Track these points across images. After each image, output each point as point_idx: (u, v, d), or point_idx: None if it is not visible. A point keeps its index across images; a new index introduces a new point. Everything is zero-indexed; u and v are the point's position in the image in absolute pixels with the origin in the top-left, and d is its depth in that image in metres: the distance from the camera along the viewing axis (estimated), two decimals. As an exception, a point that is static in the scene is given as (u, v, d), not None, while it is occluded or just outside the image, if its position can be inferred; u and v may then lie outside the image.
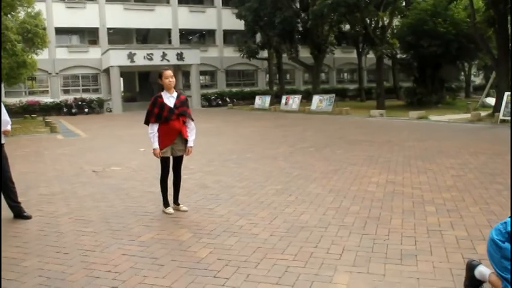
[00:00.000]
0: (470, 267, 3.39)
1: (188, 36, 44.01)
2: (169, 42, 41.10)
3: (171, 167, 5.92)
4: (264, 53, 39.23)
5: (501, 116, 18.14)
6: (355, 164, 9.22)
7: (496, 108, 20.45)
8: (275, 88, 39.86)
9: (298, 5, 36.13)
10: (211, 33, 43.17)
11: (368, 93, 41.88)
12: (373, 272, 3.81)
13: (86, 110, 34.79)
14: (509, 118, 17.81)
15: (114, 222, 5.46)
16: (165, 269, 3.96)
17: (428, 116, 21.41)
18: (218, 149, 12.20)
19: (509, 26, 23.75)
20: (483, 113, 20.93)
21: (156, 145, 5.65)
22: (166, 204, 5.91)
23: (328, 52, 37.01)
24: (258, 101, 34.27)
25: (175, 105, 5.70)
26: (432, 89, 31.12)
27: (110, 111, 35.54)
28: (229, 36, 41.55)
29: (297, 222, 5.26)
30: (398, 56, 36.20)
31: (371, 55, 37.80)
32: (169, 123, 5.66)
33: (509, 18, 23.53)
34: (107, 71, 36.16)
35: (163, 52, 35.86)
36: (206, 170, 8.90)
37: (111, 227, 5.27)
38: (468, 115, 20.96)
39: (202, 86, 40.38)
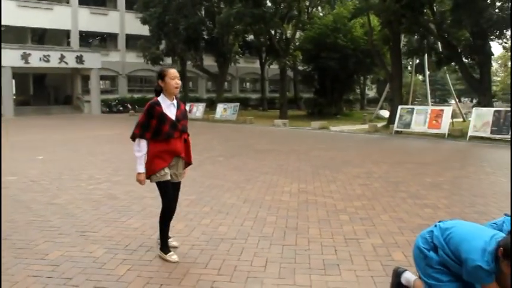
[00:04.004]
0: (397, 274, 3.49)
1: (89, 39, 42.20)
2: (68, 44, 39.12)
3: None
4: (168, 60, 38.64)
5: (395, 128, 19.32)
6: (266, 173, 9.27)
7: (391, 120, 21.79)
8: (178, 95, 39.30)
9: (203, 13, 36.07)
10: (113, 37, 41.76)
11: (270, 103, 42.74)
12: (299, 284, 3.78)
13: (-28, 113, 31.88)
14: (401, 129, 19.03)
15: (16, 238, 4.94)
16: (79, 290, 3.63)
17: (329, 127, 22.25)
18: (124, 157, 11.70)
19: (401, 44, 25.55)
20: (379, 125, 22.17)
21: (142, 168, 4.22)
22: (165, 248, 4.37)
23: (233, 61, 37.32)
24: (162, 108, 33.58)
25: (177, 118, 4.31)
26: (332, 100, 32.50)
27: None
28: (133, 41, 40.40)
29: (216, 234, 5.13)
30: (300, 67, 37.39)
31: (274, 66, 38.67)
32: (170, 143, 4.26)
33: (402, 37, 25.29)
34: (-4, 71, 33.55)
35: (61, 54, 34.08)
36: (114, 180, 8.46)
37: (12, 244, 4.75)
38: (365, 126, 22.14)
39: (103, 92, 38.82)
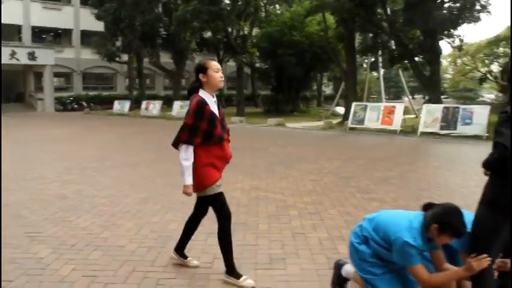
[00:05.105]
0: (338, 266, 3.61)
1: (42, 34, 40.95)
2: (20, 39, 37.91)
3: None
4: (125, 57, 38.04)
5: (350, 124, 19.70)
6: (220, 170, 9.29)
7: (345, 117, 22.19)
8: (135, 93, 38.82)
9: (161, 9, 35.68)
10: (67, 32, 40.74)
11: (228, 100, 42.69)
12: (244, 279, 3.85)
13: None
14: (355, 126, 19.41)
15: (-43, 240, 4.82)
16: (21, 291, 3.58)
17: (286, 123, 22.46)
18: (76, 156, 11.51)
19: (356, 42, 26.06)
20: (334, 121, 22.52)
21: (191, 180, 3.67)
22: (235, 272, 3.81)
23: (190, 58, 37.11)
24: (117, 105, 33.15)
25: (221, 117, 3.85)
26: (289, 97, 32.81)
27: None
28: (88, 37, 39.53)
29: (165, 232, 5.14)
30: (257, 64, 37.55)
31: (231, 63, 38.64)
32: (222, 147, 3.77)
33: (356, 35, 25.79)
34: None
35: (12, 50, 33.03)
36: (64, 179, 8.32)
37: (-48, 246, 4.63)
38: (321, 123, 22.43)
39: (57, 89, 37.86)
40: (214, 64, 3.74)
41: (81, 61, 40.11)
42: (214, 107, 3.72)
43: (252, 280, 3.77)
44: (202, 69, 3.71)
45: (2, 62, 32.02)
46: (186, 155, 3.63)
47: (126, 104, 32.61)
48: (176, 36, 34.55)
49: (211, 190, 3.71)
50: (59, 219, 5.66)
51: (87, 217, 5.74)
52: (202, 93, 3.70)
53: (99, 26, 36.22)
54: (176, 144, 3.71)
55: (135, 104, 33.12)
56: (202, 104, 3.63)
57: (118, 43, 36.77)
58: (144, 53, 36.22)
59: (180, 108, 28.25)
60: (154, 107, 29.92)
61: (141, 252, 4.46)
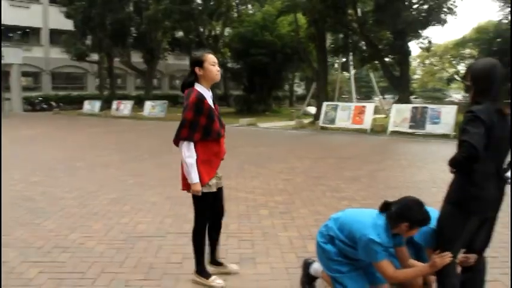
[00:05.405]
0: (306, 265, 3.64)
1: (8, 33, 40.00)
2: (-15, 38, 37.01)
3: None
4: (95, 56, 37.48)
5: (321, 124, 19.87)
6: (192, 170, 9.25)
7: (317, 116, 22.36)
8: (106, 93, 38.28)
9: (131, 8, 35.29)
10: (35, 31, 39.89)
11: (200, 100, 42.48)
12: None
13: None
14: (327, 125, 19.57)
15: None
16: (-15, 295, 3.51)
17: (258, 123, 22.50)
18: (44, 157, 11.30)
19: (327, 43, 26.31)
20: (305, 121, 22.67)
21: (197, 178, 3.51)
22: (205, 272, 3.80)
23: (162, 58, 36.83)
24: (87, 105, 32.64)
25: (217, 111, 3.75)
26: (261, 97, 32.87)
27: None
28: (57, 36, 38.79)
29: (134, 233, 5.10)
30: (229, 64, 37.52)
31: (203, 63, 38.38)
32: (219, 143, 3.66)
33: (327, 35, 26.02)
34: None
35: (-23, 49, 32.13)
36: (30, 181, 8.15)
37: None
38: (293, 122, 22.54)
39: (25, 89, 37.02)
40: (211, 57, 3.61)
41: (50, 60, 39.38)
42: (211, 102, 3.62)
43: (221, 280, 3.76)
44: (198, 62, 3.58)
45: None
46: (189, 152, 3.50)
47: (97, 104, 32.15)
48: (147, 35, 34.25)
49: (203, 189, 3.57)
50: (26, 221, 5.55)
51: (54, 219, 5.65)
52: (199, 87, 3.57)
53: (68, 25, 35.59)
54: (177, 141, 3.58)
55: (106, 104, 32.63)
56: (203, 99, 3.52)
57: (88, 42, 36.17)
58: (115, 53, 35.77)
59: (151, 108, 28.04)
60: (125, 107, 29.57)
61: (109, 254, 4.41)
